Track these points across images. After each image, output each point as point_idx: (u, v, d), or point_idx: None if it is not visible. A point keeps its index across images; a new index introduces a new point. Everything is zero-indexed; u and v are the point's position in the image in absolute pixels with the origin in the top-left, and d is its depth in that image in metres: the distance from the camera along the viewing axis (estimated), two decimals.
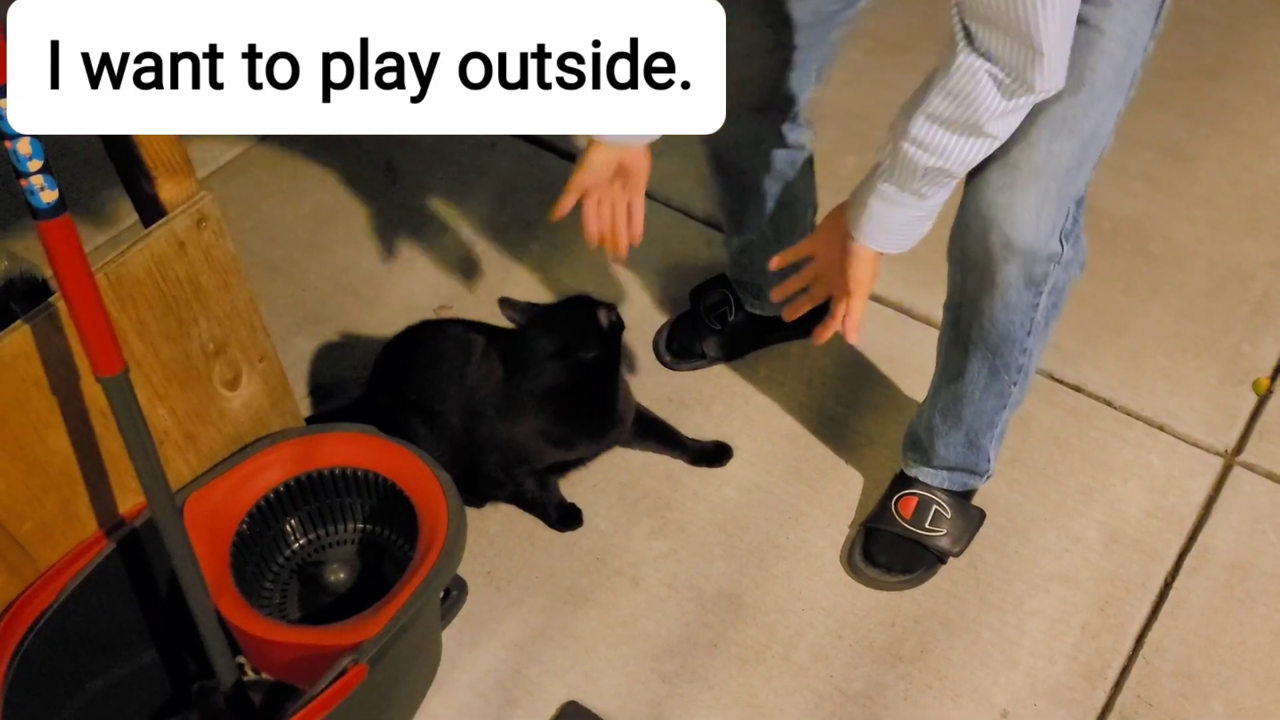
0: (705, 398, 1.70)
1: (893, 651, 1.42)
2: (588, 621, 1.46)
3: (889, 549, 1.47)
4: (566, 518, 1.54)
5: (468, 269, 1.88)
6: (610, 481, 1.60)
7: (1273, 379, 1.69)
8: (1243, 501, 1.55)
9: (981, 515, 1.51)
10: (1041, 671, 1.40)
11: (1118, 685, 1.38)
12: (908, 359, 1.73)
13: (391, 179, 2.05)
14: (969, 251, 1.21)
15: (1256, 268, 1.85)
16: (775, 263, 1.29)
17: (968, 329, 1.29)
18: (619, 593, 1.48)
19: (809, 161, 1.53)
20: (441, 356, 1.46)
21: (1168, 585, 1.47)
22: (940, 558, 1.48)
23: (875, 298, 1.82)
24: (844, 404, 1.68)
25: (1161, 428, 1.64)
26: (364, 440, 1.30)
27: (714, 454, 1.61)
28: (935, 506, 1.47)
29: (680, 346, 1.74)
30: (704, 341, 1.72)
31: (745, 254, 1.64)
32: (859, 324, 1.23)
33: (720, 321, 1.71)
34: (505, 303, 1.42)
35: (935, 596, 1.47)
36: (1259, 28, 2.26)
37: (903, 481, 1.51)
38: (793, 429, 1.66)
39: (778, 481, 1.59)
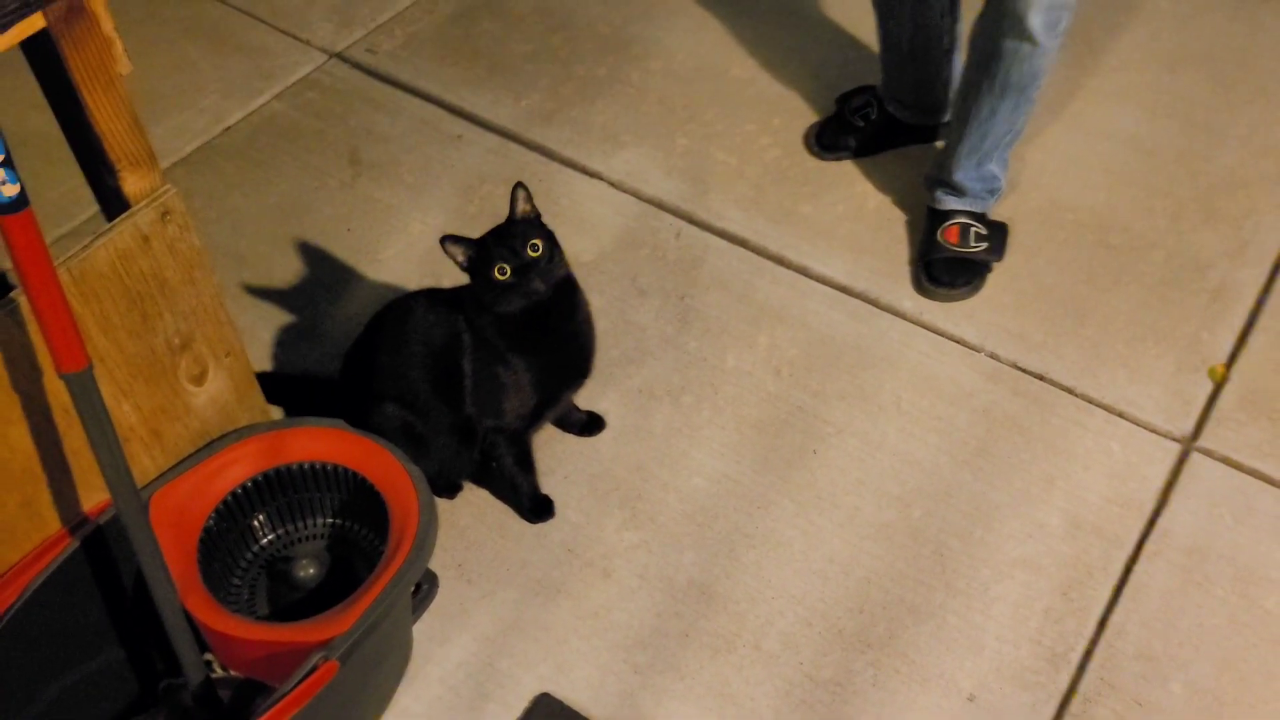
0: (674, 388, 1.70)
1: (861, 638, 1.44)
2: (559, 613, 1.46)
3: (948, 270, 1.80)
4: (540, 508, 1.54)
5: (436, 260, 1.87)
6: (581, 473, 1.60)
7: (1229, 366, 1.72)
8: (1200, 487, 1.58)
9: (1006, 228, 1.85)
10: (1006, 655, 1.42)
11: (1080, 668, 1.41)
12: (874, 349, 1.75)
13: (357, 170, 2.04)
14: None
15: (1214, 258, 1.88)
16: None
17: (1002, 83, 1.64)
18: (590, 584, 1.49)
19: None
20: (404, 335, 1.45)
21: (1128, 570, 1.50)
22: (987, 266, 1.82)
23: (842, 288, 1.83)
24: (811, 393, 1.70)
25: (1121, 415, 1.66)
26: (333, 434, 1.29)
27: (588, 424, 1.63)
28: (973, 228, 1.81)
29: (828, 140, 2.02)
30: (847, 136, 2.00)
31: (890, 64, 1.94)
32: None
33: (864, 119, 2.00)
34: (447, 240, 1.35)
35: (902, 584, 1.49)
36: (1217, 21, 2.29)
37: (939, 216, 1.82)
38: (761, 419, 1.67)
39: (746, 471, 1.61)
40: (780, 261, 1.88)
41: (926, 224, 1.86)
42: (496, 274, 1.31)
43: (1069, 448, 1.63)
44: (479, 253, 1.34)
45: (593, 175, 2.02)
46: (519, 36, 2.30)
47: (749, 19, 2.32)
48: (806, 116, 2.11)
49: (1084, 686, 1.39)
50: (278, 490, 1.29)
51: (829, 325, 1.78)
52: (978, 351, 1.75)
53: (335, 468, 1.28)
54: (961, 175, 1.79)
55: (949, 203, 1.83)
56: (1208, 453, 1.62)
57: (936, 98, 1.95)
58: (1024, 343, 1.75)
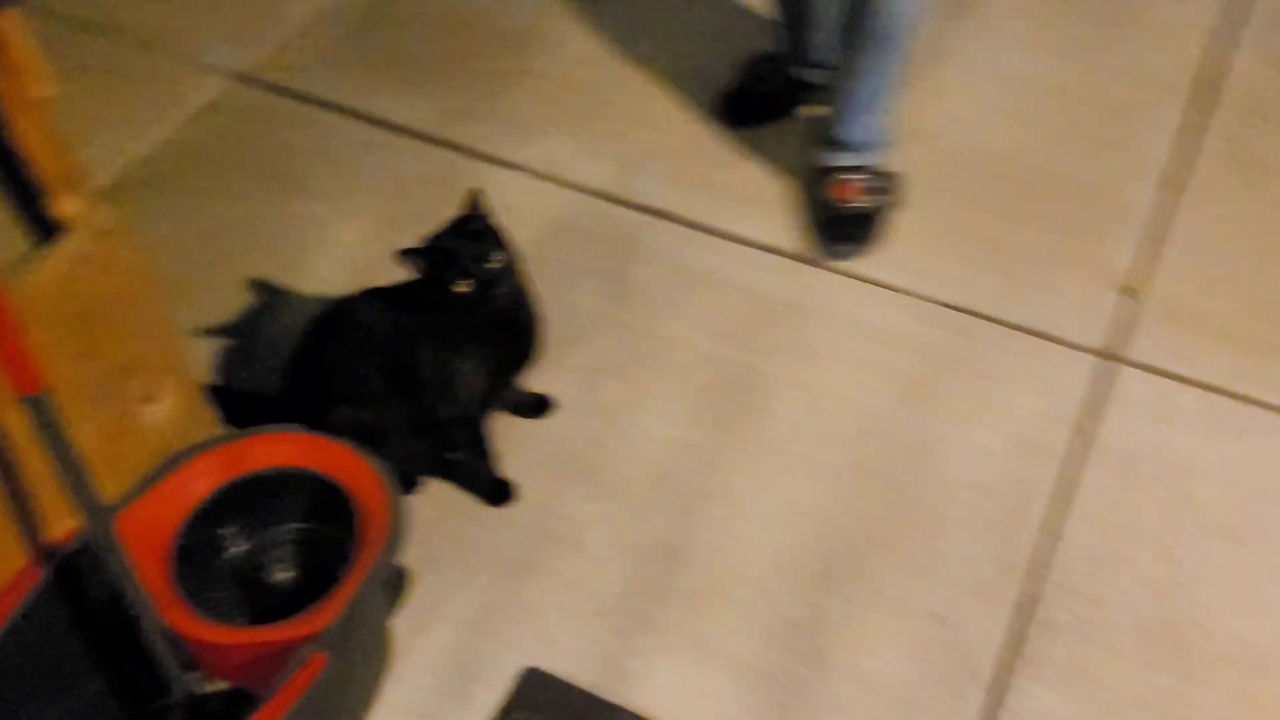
0: (620, 362, 1.74)
1: (829, 576, 1.49)
2: (535, 590, 1.49)
3: (845, 227, 1.83)
4: (500, 491, 1.56)
5: (368, 266, 1.87)
6: (538, 454, 1.63)
7: (1138, 280, 1.82)
8: (1124, 394, 1.67)
9: (897, 176, 1.87)
10: (967, 574, 1.49)
11: (1034, 577, 1.48)
12: (808, 304, 1.81)
13: (276, 187, 2.03)
14: None
15: (1114, 182, 1.98)
16: None
17: (870, 31, 1.66)
18: (562, 558, 1.52)
19: None
20: (351, 336, 1.47)
21: (1067, 479, 1.58)
22: (881, 218, 1.84)
23: (771, 249, 1.89)
24: (753, 352, 1.75)
25: (1044, 336, 1.75)
26: (292, 439, 1.30)
27: (537, 405, 1.66)
28: (862, 181, 1.83)
29: (737, 110, 2.06)
30: (755, 104, 2.05)
31: (787, 27, 1.96)
32: None
33: (769, 86, 2.05)
34: (404, 254, 1.37)
35: (862, 520, 1.54)
36: None
37: (823, 174, 1.85)
38: (708, 381, 1.71)
39: (700, 432, 1.65)
40: (709, 230, 1.92)
41: (813, 182, 1.88)
42: (460, 288, 1.33)
43: (1000, 373, 1.71)
44: (439, 263, 1.35)
45: (513, 167, 2.04)
46: (422, 40, 2.31)
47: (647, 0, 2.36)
48: (717, 88, 2.16)
49: (1039, 592, 1.47)
50: (244, 500, 1.30)
51: (762, 285, 1.84)
52: (905, 294, 1.82)
53: (299, 471, 1.29)
54: (843, 130, 1.83)
55: (834, 158, 1.86)
56: (1127, 362, 1.71)
57: (834, 55, 2.01)
58: (946, 280, 1.82)
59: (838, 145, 1.85)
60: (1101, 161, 2.01)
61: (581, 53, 2.26)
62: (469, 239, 1.37)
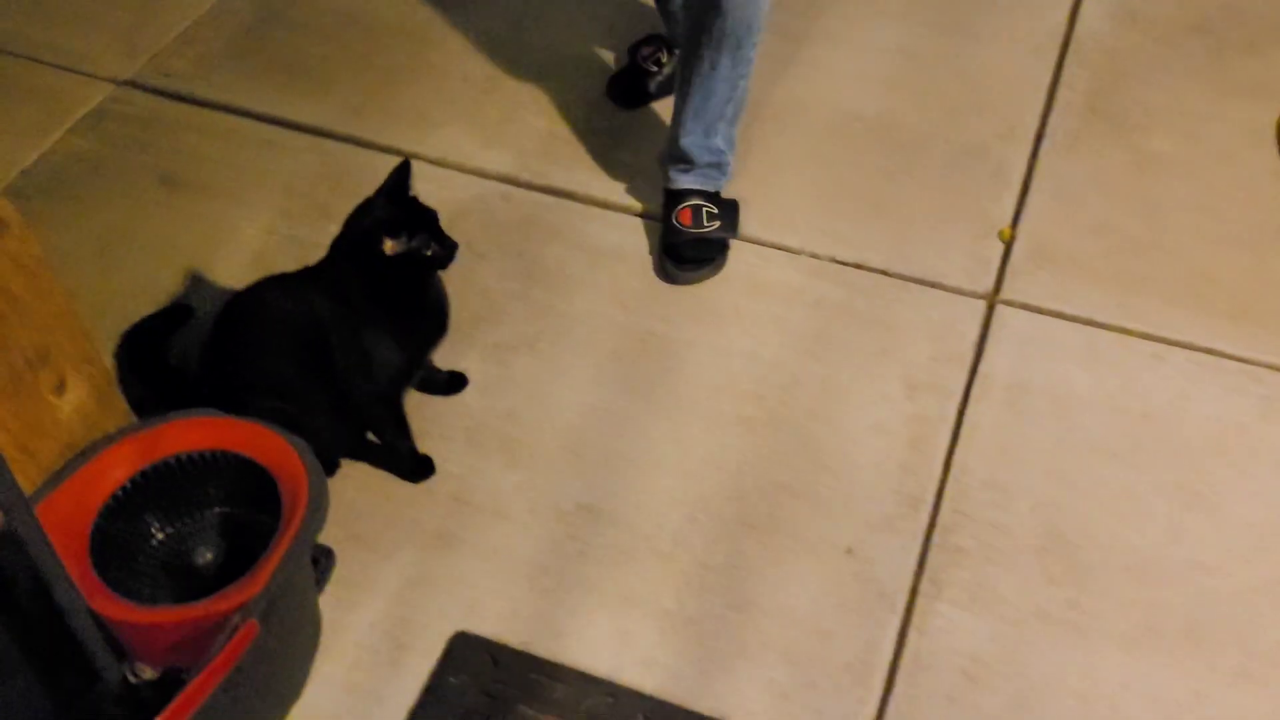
0: (529, 337, 1.78)
1: (745, 522, 1.55)
2: (460, 560, 1.52)
3: (689, 251, 1.84)
4: (420, 466, 1.59)
5: (266, 262, 1.88)
6: (454, 429, 1.66)
7: (1014, 228, 1.93)
8: (1009, 333, 1.77)
9: (737, 204, 1.90)
10: (873, 509, 1.56)
11: (936, 507, 1.57)
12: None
13: (172, 189, 2.02)
14: None
15: (987, 140, 2.09)
16: None
17: (714, 39, 1.67)
18: (485, 527, 1.55)
19: None
20: (260, 324, 1.48)
21: (961, 414, 1.67)
22: (725, 245, 1.87)
23: None
24: (658, 318, 1.80)
25: (931, 285, 1.84)
26: (207, 423, 1.31)
27: (450, 382, 1.70)
28: (704, 208, 1.85)
29: (626, 91, 2.12)
30: (644, 83, 2.10)
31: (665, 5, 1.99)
32: None
33: (656, 65, 2.10)
34: (388, 234, 1.43)
35: (773, 467, 1.61)
36: None
37: (674, 197, 1.86)
38: (616, 349, 1.76)
39: (612, 398, 1.70)
40: (607, 206, 1.98)
41: (664, 208, 1.87)
42: (426, 253, 1.43)
43: (893, 322, 1.79)
44: (402, 231, 1.42)
45: (413, 157, 2.06)
46: (313, 39, 2.32)
47: None
48: (605, 70, 2.21)
49: (942, 521, 1.55)
50: (162, 486, 1.30)
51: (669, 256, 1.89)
52: (799, 254, 1.89)
53: (216, 454, 1.30)
54: (689, 142, 1.80)
55: (682, 181, 1.84)
56: (1009, 303, 1.81)
57: None
58: (837, 238, 1.91)
59: (683, 161, 1.83)
60: (975, 121, 2.12)
61: (474, 43, 2.29)
62: (423, 213, 1.44)
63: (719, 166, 1.86)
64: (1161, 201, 1.96)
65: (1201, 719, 1.36)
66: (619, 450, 1.64)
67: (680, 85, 1.79)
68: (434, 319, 1.54)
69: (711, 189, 1.87)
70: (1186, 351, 1.74)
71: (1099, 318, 1.79)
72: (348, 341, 1.45)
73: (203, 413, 1.32)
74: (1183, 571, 1.49)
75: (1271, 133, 2.07)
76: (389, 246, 1.42)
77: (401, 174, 1.47)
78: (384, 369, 1.49)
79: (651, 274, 1.87)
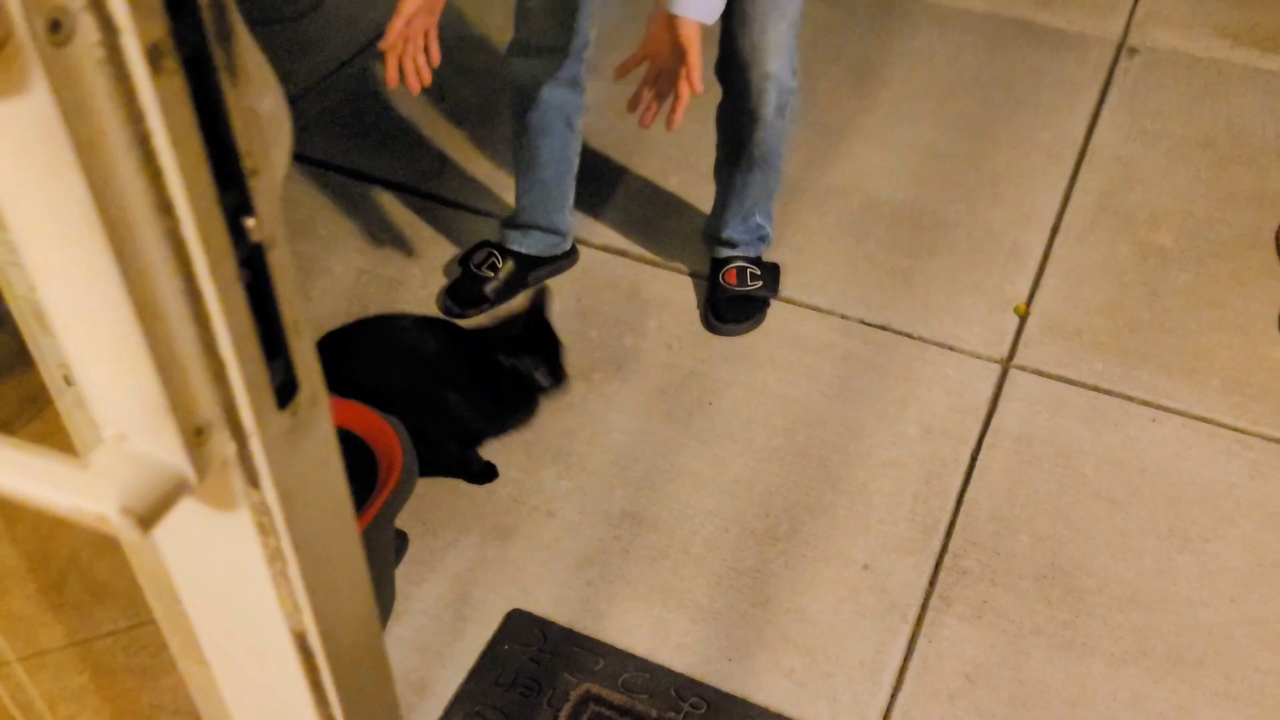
0: (584, 369, 1.98)
1: (770, 534, 1.72)
2: (516, 549, 1.69)
3: (731, 308, 2.04)
4: (487, 472, 1.78)
5: (359, 292, 2.11)
6: (516, 441, 1.85)
7: (1028, 304, 2.13)
8: (1019, 392, 1.95)
9: (778, 267, 2.11)
10: (889, 532, 1.73)
11: (948, 534, 1.73)
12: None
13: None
14: (736, 85, 1.80)
15: (1005, 228, 2.31)
16: (617, 73, 1.61)
17: (749, 158, 1.90)
18: (539, 524, 1.73)
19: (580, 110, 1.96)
20: (395, 346, 1.71)
21: (974, 459, 1.84)
22: (766, 303, 2.06)
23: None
24: (699, 360, 2.01)
25: (951, 348, 2.03)
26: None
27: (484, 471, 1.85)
28: (749, 270, 2.07)
29: (463, 299, 2.08)
30: (482, 289, 2.08)
31: (531, 190, 2.05)
32: (700, 74, 1.55)
33: (493, 270, 2.10)
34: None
35: (797, 491, 1.78)
36: (980, 55, 2.80)
37: (719, 263, 2.08)
38: (661, 384, 1.96)
39: (656, 424, 1.89)
40: (655, 264, 2.20)
41: (710, 270, 2.10)
42: (537, 378, 1.71)
43: (914, 377, 1.98)
44: (524, 355, 1.71)
45: (486, 214, 2.32)
46: (399, 110, 2.61)
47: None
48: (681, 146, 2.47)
49: (953, 546, 1.71)
50: None
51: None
52: (830, 314, 2.10)
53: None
54: (730, 231, 2.04)
55: (725, 252, 2.08)
56: (1021, 368, 2.00)
57: (566, 222, 2.10)
58: (866, 304, 2.11)
59: (726, 243, 2.07)
60: (994, 212, 2.35)
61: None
62: (541, 333, 1.73)
63: (761, 239, 2.09)
64: (1163, 289, 2.16)
65: None
66: (660, 467, 1.82)
67: (719, 190, 2.03)
68: (522, 413, 1.80)
69: (754, 254, 2.10)
70: (1182, 418, 1.91)
71: (1103, 384, 1.97)
72: (501, 392, 1.72)
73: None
74: (1170, 604, 1.64)
75: (1269, 236, 2.27)
76: (506, 363, 1.68)
77: (539, 299, 1.73)
78: (461, 428, 1.73)
79: (696, 322, 2.08)
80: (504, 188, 2.37)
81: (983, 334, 2.07)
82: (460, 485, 1.78)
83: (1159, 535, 1.73)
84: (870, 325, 2.08)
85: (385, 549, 1.51)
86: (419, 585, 1.63)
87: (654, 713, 1.47)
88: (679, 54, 1.55)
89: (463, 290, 2.09)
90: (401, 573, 1.64)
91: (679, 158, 2.43)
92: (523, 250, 2.10)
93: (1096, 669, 1.56)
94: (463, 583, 1.64)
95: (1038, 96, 2.66)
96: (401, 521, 1.67)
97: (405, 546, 1.66)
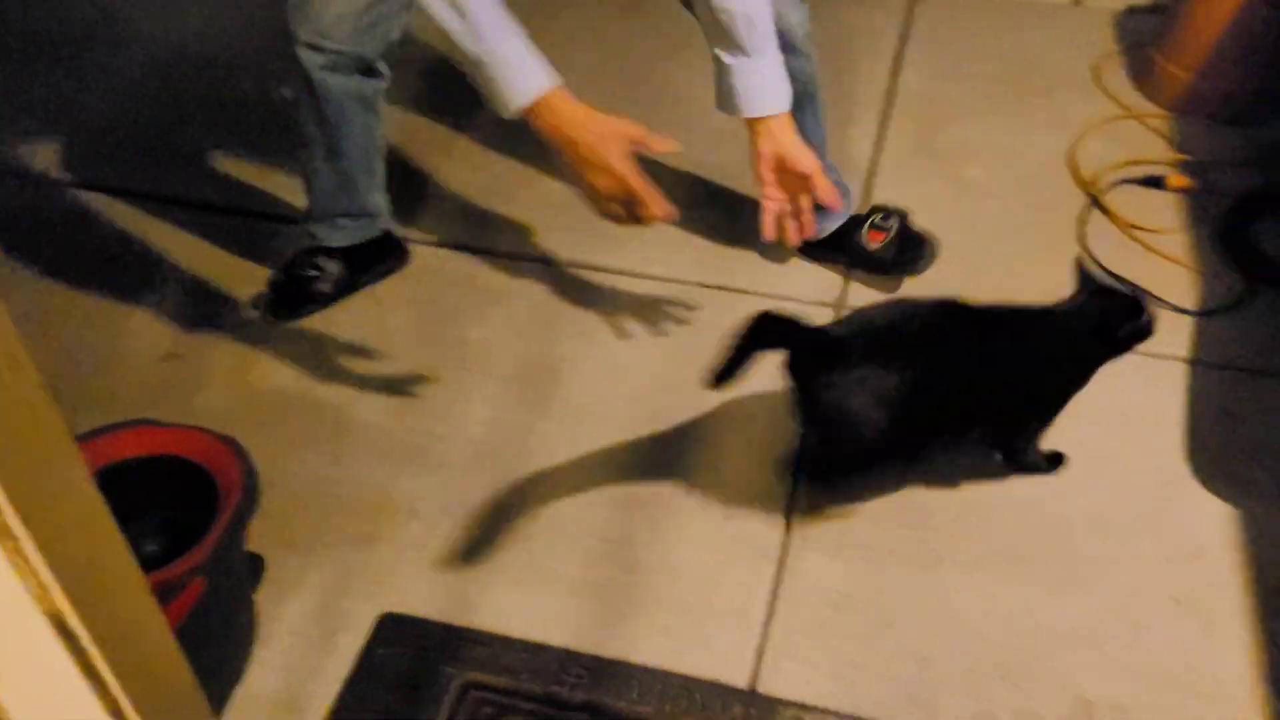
0: (433, 366, 1.98)
1: (633, 501, 1.76)
2: (382, 554, 1.68)
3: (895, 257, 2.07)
4: (1054, 459, 1.77)
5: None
6: (366, 447, 1.84)
7: None
8: None
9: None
10: (745, 480, 1.78)
11: (795, 478, 1.80)
12: (589, 298, 2.10)
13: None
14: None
15: None
16: (769, 229, 1.73)
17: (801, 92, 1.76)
18: (402, 526, 1.72)
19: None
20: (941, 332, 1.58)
21: None
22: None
23: (548, 260, 2.19)
24: (547, 342, 2.02)
25: (787, 299, 2.10)
26: (147, 431, 1.47)
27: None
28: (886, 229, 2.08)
29: (289, 302, 2.03)
30: (310, 289, 2.02)
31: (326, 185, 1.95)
32: (830, 189, 1.65)
33: (316, 270, 2.02)
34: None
35: (656, 454, 1.82)
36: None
37: (853, 223, 2.08)
38: (513, 371, 1.97)
39: (511, 410, 1.90)
40: (491, 254, 2.21)
41: (846, 236, 2.10)
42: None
43: None
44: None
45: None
46: (200, 125, 2.54)
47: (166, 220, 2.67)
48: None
49: (808, 487, 1.78)
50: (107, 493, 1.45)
51: (551, 292, 2.13)
52: (670, 281, 2.15)
53: (158, 458, 1.46)
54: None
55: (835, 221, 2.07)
56: (850, 306, 2.08)
57: (376, 203, 2.04)
58: (702, 267, 2.16)
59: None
60: None
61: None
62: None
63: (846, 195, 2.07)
64: (978, 219, 2.27)
65: (1031, 622, 1.59)
66: (520, 453, 1.83)
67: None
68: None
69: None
70: None
71: None
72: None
73: (143, 421, 1.48)
74: (1009, 507, 1.74)
75: (1064, 159, 2.42)
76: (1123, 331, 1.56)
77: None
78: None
79: (540, 307, 2.09)
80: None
81: (815, 282, 2.14)
82: (314, 499, 1.76)
83: None
84: (708, 287, 2.13)
85: (237, 574, 1.49)
86: (282, 605, 1.61)
87: (538, 689, 1.49)
88: (793, 163, 1.62)
89: (286, 294, 2.03)
90: (261, 597, 1.61)
91: (498, 143, 2.44)
92: (339, 243, 2.04)
93: (949, 577, 1.64)
94: (329, 596, 1.63)
95: (844, 46, 2.76)
96: (259, 543, 1.64)
97: (262, 569, 1.64)
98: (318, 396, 1.93)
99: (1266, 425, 1.83)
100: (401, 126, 2.41)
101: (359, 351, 2.01)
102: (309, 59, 1.77)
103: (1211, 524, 1.70)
